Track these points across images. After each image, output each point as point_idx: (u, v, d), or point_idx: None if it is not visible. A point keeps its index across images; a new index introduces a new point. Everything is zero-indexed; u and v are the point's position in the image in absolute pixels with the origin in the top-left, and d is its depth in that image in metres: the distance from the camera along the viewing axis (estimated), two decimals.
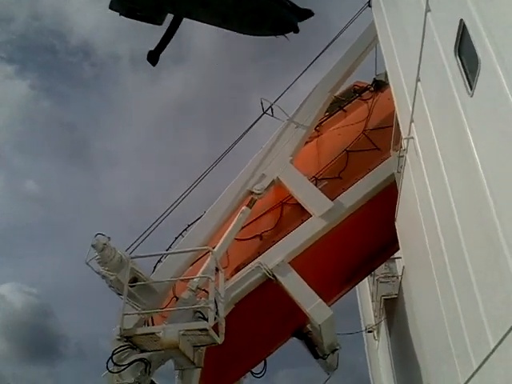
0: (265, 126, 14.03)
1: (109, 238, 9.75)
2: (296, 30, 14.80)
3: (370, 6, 12.74)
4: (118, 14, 14.25)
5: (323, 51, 14.31)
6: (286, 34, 14.93)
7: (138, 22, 14.58)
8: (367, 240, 12.42)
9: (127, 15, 14.05)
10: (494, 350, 4.93)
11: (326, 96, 13.75)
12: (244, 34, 15.07)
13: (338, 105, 15.19)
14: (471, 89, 5.15)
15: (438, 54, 6.18)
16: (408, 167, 9.37)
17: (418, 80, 7.52)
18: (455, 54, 5.56)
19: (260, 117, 13.60)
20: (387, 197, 11.57)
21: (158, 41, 14.92)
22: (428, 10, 6.49)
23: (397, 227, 11.08)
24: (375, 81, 15.34)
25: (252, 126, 13.58)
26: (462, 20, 5.17)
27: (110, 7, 13.87)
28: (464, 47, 5.34)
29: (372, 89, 15.36)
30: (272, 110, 13.56)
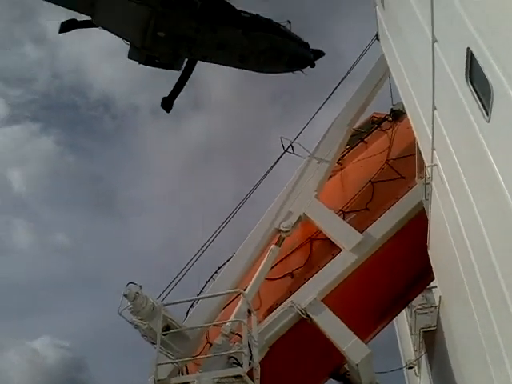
0: (287, 163, 14.14)
1: (140, 286, 9.79)
2: (312, 65, 15.07)
3: (378, 39, 12.93)
4: (136, 63, 14.80)
5: (337, 87, 14.55)
6: (303, 69, 15.23)
7: (156, 69, 15.10)
8: (400, 271, 12.22)
9: (146, 63, 14.54)
10: None
11: (345, 129, 13.82)
12: (262, 72, 15.40)
13: (358, 137, 15.27)
14: (487, 114, 5.12)
15: (450, 82, 6.19)
16: (435, 194, 9.27)
17: (434, 108, 7.51)
18: (467, 81, 5.56)
19: (281, 156, 13.73)
20: (417, 225, 11.42)
21: (172, 89, 15.34)
22: (435, 40, 6.55)
23: (430, 255, 10.88)
24: (392, 111, 15.39)
25: (274, 165, 13.70)
26: (468, 48, 5.21)
27: (129, 57, 14.40)
28: (475, 74, 5.34)
29: (390, 119, 15.41)
30: (292, 147, 13.67)
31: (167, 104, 15.46)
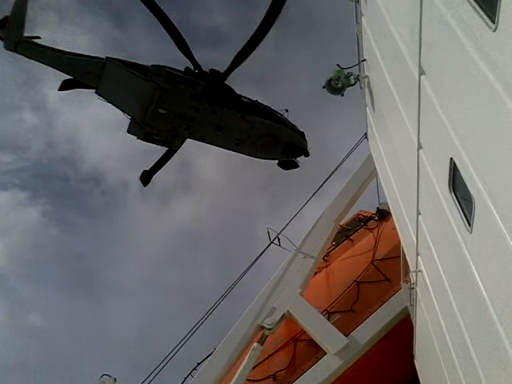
0: (272, 255, 13.95)
1: (115, 379, 9.39)
2: (307, 154, 15.31)
3: (366, 138, 13.26)
4: (131, 138, 14.94)
5: (324, 182, 14.71)
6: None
7: (149, 146, 15.21)
8: (386, 377, 11.70)
9: (144, 139, 14.68)
10: None
11: (331, 226, 13.81)
12: (256, 157, 15.57)
13: (344, 234, 15.25)
14: (469, 225, 5.05)
15: (433, 189, 6.19)
16: (420, 300, 9.05)
17: (418, 213, 7.49)
18: (450, 191, 5.54)
19: (267, 247, 13.62)
20: (403, 330, 11.14)
21: (154, 164, 15.34)
22: (420, 147, 6.64)
23: (416, 364, 10.47)
24: (379, 210, 15.54)
25: (259, 257, 13.53)
26: (451, 158, 5.24)
27: (129, 131, 14.55)
28: (457, 184, 5.34)
29: (376, 218, 15.49)
30: (279, 239, 13.57)
31: (146, 178, 15.46)
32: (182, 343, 11.63)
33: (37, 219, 54.79)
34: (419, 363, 10.25)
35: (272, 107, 15.24)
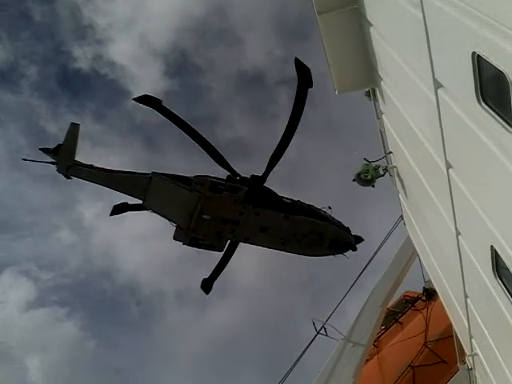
0: (319, 349, 13.75)
1: None
2: (354, 249, 15.54)
3: (403, 222, 13.45)
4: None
5: (367, 266, 14.76)
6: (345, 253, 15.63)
7: (183, 253, 15.72)
8: None
9: (190, 244, 15.29)
10: None
11: (378, 310, 13.63)
12: (303, 254, 15.89)
13: (392, 317, 14.99)
14: None
15: (478, 274, 6.31)
16: (479, 383, 8.79)
17: (466, 296, 7.53)
18: (495, 276, 5.67)
19: (314, 337, 13.42)
20: None
21: (213, 271, 15.79)
22: (458, 233, 6.85)
23: None
24: (425, 289, 15.30)
25: (307, 348, 13.32)
26: (492, 246, 5.43)
27: (175, 238, 15.21)
28: (501, 269, 5.48)
29: (424, 298, 15.24)
30: (325, 329, 13.43)
31: (207, 285, 15.85)
32: None
33: (74, 334, 54.98)
34: None
35: (315, 205, 15.85)
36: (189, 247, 15.52)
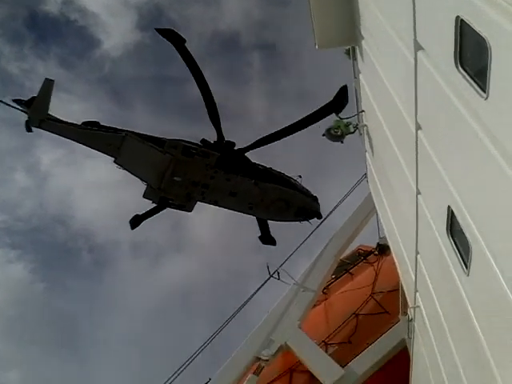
0: (270, 292, 14.26)
1: None
2: (319, 217, 16.04)
3: (366, 179, 13.81)
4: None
5: (324, 219, 15.26)
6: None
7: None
8: None
9: (160, 203, 15.61)
10: None
11: (331, 260, 14.20)
12: (269, 220, 16.38)
13: (343, 268, 15.62)
14: (466, 268, 5.46)
15: (432, 232, 6.64)
16: (417, 334, 9.38)
17: (417, 252, 7.93)
18: (448, 235, 5.98)
19: (267, 280, 13.93)
20: (400, 362, 11.37)
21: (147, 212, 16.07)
22: (418, 192, 7.14)
23: None
24: (379, 245, 15.94)
25: (259, 288, 13.84)
26: (449, 206, 5.71)
27: (145, 196, 15.54)
28: (455, 230, 5.78)
29: (376, 252, 15.89)
30: (278, 273, 13.92)
31: (136, 221, 16.29)
32: (180, 371, 11.78)
33: (24, 277, 54.36)
34: None
35: (285, 174, 16.13)
36: (146, 201, 15.79)
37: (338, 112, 15.26)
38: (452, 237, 5.94)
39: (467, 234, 5.28)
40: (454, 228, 5.85)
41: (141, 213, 16.29)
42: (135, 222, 16.28)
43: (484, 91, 4.21)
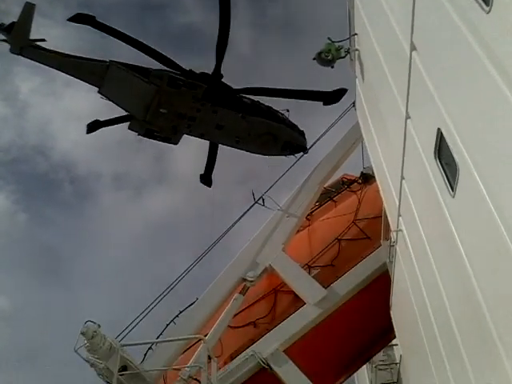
0: (254, 222, 14.45)
1: (99, 325, 9.76)
2: (305, 151, 15.96)
3: (354, 107, 13.72)
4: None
5: (311, 147, 15.30)
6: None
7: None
8: (362, 327, 12.52)
9: (145, 135, 15.31)
10: None
11: (316, 187, 14.35)
12: (255, 153, 16.26)
13: (327, 195, 15.84)
14: (452, 190, 5.57)
15: (419, 156, 6.72)
16: (399, 257, 9.71)
17: (402, 178, 8.05)
18: (435, 158, 6.07)
19: (252, 206, 14.07)
20: (381, 284, 11.81)
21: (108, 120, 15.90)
22: (408, 117, 7.15)
23: (392, 315, 11.24)
24: (363, 174, 16.10)
25: (244, 214, 13.98)
26: (439, 129, 5.75)
27: (130, 128, 15.18)
28: (443, 152, 5.86)
29: (360, 181, 16.08)
30: (263, 200, 14.07)
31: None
32: (166, 292, 12.01)
33: (5, 206, 53.56)
34: (395, 313, 11.07)
35: (273, 107, 15.83)
36: (129, 132, 15.48)
37: (326, 103, 15.13)
38: (439, 159, 6.02)
39: (455, 155, 5.35)
40: (442, 150, 5.92)
41: (102, 119, 15.89)
42: (93, 126, 15.87)
43: (487, 4, 4.09)
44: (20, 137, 50.63)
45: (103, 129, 15.49)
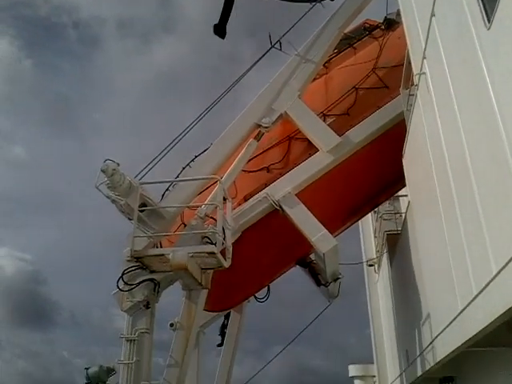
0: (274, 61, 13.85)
1: (118, 163, 9.94)
2: None
3: None
4: None
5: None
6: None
7: None
8: (373, 176, 12.76)
9: None
10: (495, 277, 5.15)
11: (335, 32, 13.57)
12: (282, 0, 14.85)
13: (347, 42, 15.05)
14: (489, 21, 5.16)
15: None
16: (418, 104, 9.45)
17: (432, 15, 7.52)
18: None
19: (268, 50, 13.46)
20: (395, 134, 11.79)
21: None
22: None
23: (404, 163, 11.36)
24: (386, 19, 15.12)
25: (261, 58, 13.45)
26: None
27: None
28: None
29: (383, 27, 15.16)
30: (280, 43, 13.43)
31: (220, 30, 14.87)
32: (183, 134, 11.93)
33: (9, 53, 51.01)
34: (407, 162, 11.18)
35: None
36: None
37: None
38: None
39: None
40: None
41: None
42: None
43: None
44: None
45: None
